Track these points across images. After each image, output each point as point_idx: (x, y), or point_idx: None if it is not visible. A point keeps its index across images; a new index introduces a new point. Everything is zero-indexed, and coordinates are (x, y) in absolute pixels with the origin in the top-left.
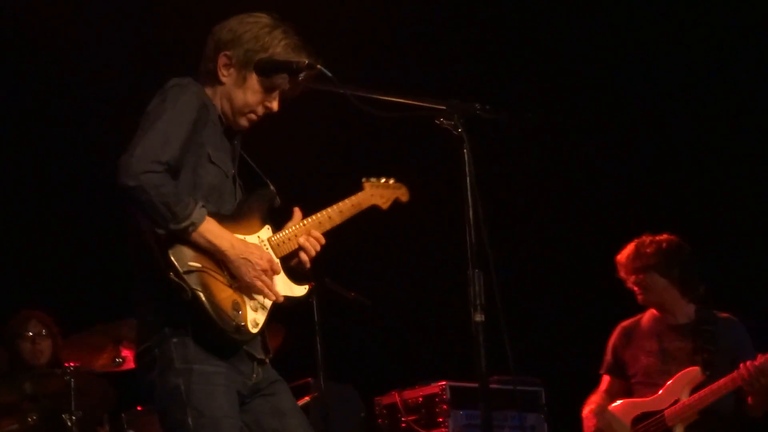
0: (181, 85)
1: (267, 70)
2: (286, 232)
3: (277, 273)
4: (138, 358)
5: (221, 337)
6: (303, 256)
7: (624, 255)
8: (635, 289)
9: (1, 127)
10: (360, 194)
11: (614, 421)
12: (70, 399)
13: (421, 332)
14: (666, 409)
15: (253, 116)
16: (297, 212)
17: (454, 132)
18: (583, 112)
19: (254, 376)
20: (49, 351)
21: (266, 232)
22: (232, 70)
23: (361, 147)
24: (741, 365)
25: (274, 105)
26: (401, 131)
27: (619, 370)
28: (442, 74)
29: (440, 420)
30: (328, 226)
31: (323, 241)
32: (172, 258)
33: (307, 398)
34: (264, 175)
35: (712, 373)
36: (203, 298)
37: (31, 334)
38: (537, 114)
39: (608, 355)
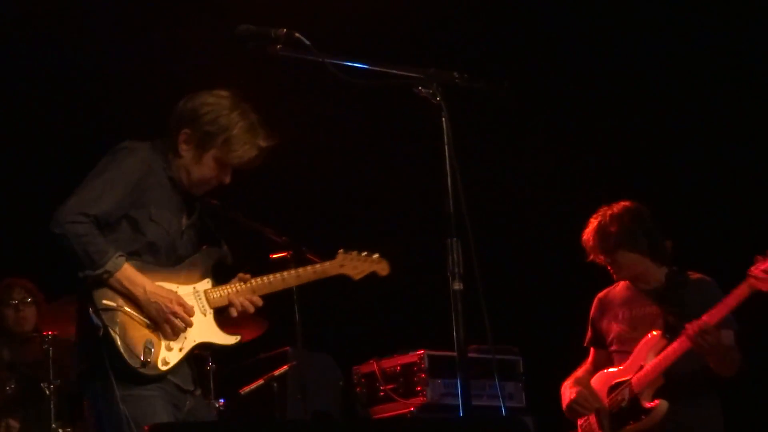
0: (130, 149)
1: (246, 38)
2: (224, 287)
3: (190, 316)
4: (77, 381)
5: (131, 370)
6: (231, 310)
7: (589, 238)
8: (608, 268)
9: None
10: (328, 263)
11: (592, 392)
12: (48, 367)
13: (400, 301)
14: (633, 376)
15: (207, 187)
16: (242, 276)
17: (432, 100)
18: (560, 80)
19: (187, 404)
20: (34, 319)
21: (204, 284)
22: (190, 146)
23: (340, 119)
24: (686, 325)
25: (227, 179)
26: (379, 100)
27: (599, 341)
28: (419, 42)
29: (418, 389)
30: (279, 287)
31: (260, 303)
32: (92, 297)
33: (285, 367)
34: (219, 235)
35: (673, 336)
36: (113, 334)
37: (15, 301)
38: (514, 82)
39: (588, 328)
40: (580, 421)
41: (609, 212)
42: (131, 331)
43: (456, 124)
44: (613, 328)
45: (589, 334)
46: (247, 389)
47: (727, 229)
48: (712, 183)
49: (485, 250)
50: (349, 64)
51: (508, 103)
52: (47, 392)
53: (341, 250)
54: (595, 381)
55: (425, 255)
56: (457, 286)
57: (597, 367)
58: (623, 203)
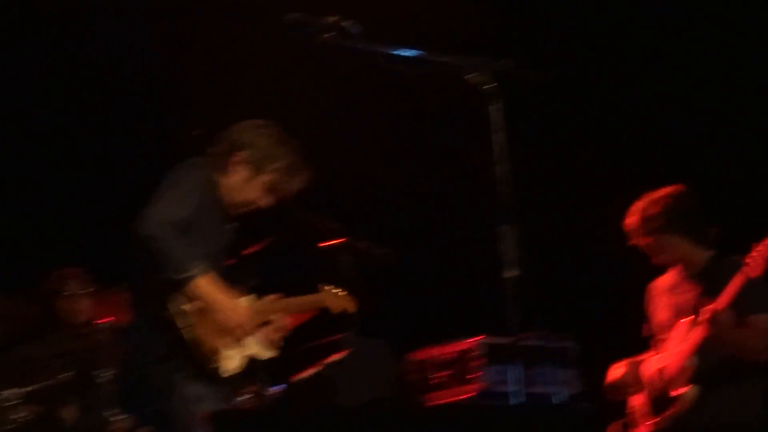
0: (197, 164)
1: (294, 27)
2: (260, 305)
3: (251, 331)
4: (138, 380)
5: (202, 370)
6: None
7: (631, 221)
8: (649, 253)
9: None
10: (314, 297)
11: (635, 377)
12: (102, 355)
13: (454, 288)
14: (666, 364)
15: (245, 209)
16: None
17: (483, 88)
18: (610, 66)
19: None
20: (87, 310)
21: (247, 300)
22: (243, 169)
23: (392, 108)
24: (702, 311)
25: (265, 204)
26: (430, 89)
27: (647, 328)
28: (468, 30)
29: (473, 376)
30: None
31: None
32: (173, 297)
33: (338, 354)
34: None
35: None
36: (191, 335)
37: (69, 293)
38: (563, 69)
39: (647, 317)
40: (633, 403)
41: (653, 196)
42: (203, 335)
43: (507, 110)
44: (658, 315)
45: (647, 323)
46: (300, 376)
47: None
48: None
49: (539, 236)
50: (399, 53)
51: (559, 88)
52: (100, 381)
53: (324, 286)
54: (644, 366)
55: (480, 242)
56: (510, 273)
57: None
58: (669, 188)
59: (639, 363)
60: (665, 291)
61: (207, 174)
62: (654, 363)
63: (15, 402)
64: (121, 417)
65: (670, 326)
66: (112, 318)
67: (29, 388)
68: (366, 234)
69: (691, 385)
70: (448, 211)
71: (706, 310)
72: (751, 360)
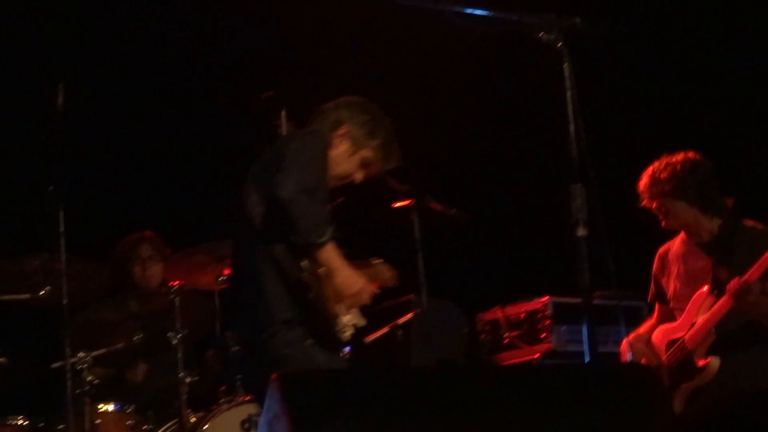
0: (319, 135)
1: None
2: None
3: (366, 300)
4: (264, 342)
5: (329, 334)
6: None
7: (641, 183)
8: (658, 215)
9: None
10: (367, 269)
11: (651, 350)
12: (174, 317)
13: (524, 248)
14: (686, 333)
15: (340, 183)
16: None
17: (554, 46)
18: (683, 22)
19: None
20: (160, 275)
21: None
22: (346, 142)
23: (461, 67)
24: (731, 282)
25: (359, 178)
26: (500, 47)
27: (661, 297)
28: None
29: (543, 336)
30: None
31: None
32: (304, 260)
33: (409, 315)
34: None
35: (720, 292)
36: (321, 299)
37: (143, 258)
38: (636, 26)
39: (651, 284)
40: None
41: (666, 159)
42: (329, 300)
43: (578, 70)
44: (671, 285)
45: (651, 289)
46: (371, 338)
47: None
48: None
49: (609, 195)
50: (470, 11)
51: (629, 47)
52: (174, 342)
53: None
54: (655, 337)
55: (550, 201)
56: (582, 231)
57: (661, 322)
58: (684, 153)
59: (650, 333)
60: (675, 259)
61: (326, 144)
62: (670, 332)
63: (88, 364)
64: (193, 378)
65: (682, 295)
66: (184, 281)
67: (102, 350)
68: (438, 194)
69: (713, 355)
70: (519, 170)
71: (736, 283)
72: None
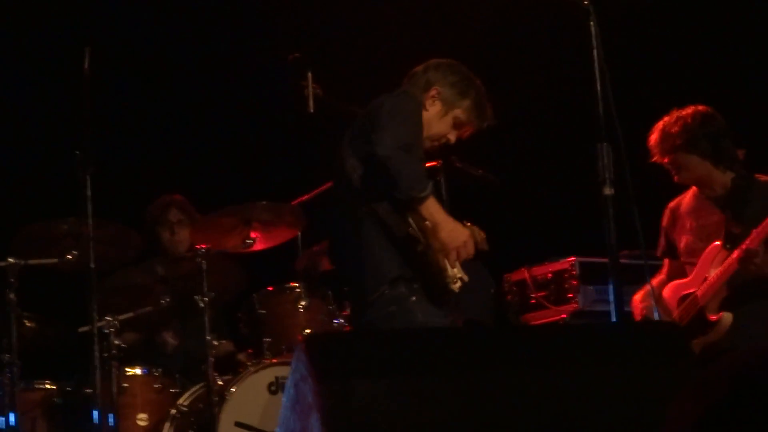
0: (413, 95)
1: None
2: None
3: (471, 254)
4: (373, 302)
5: (442, 287)
6: None
7: (652, 138)
8: (671, 170)
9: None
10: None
11: (661, 305)
12: (202, 281)
13: (550, 208)
14: (697, 289)
15: (436, 144)
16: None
17: (581, 4)
18: None
19: None
20: (188, 239)
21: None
22: (437, 103)
23: (487, 24)
24: (737, 249)
25: (453, 138)
26: (527, 4)
27: (671, 251)
28: None
29: (570, 296)
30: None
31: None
32: (410, 215)
33: None
34: None
35: (733, 246)
36: (429, 251)
37: (171, 223)
38: None
39: (661, 238)
40: None
41: (676, 114)
42: (436, 252)
43: (605, 28)
44: (683, 239)
45: (661, 244)
46: None
47: None
48: None
49: (636, 154)
50: None
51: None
52: (201, 304)
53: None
54: (666, 292)
55: (576, 160)
56: (608, 191)
57: (671, 277)
58: (694, 107)
59: (660, 289)
60: (687, 214)
61: (420, 104)
62: (681, 287)
63: (115, 328)
64: (223, 341)
65: (695, 250)
66: (210, 244)
67: (131, 314)
68: (464, 154)
69: (725, 311)
70: (546, 128)
71: (742, 249)
72: None
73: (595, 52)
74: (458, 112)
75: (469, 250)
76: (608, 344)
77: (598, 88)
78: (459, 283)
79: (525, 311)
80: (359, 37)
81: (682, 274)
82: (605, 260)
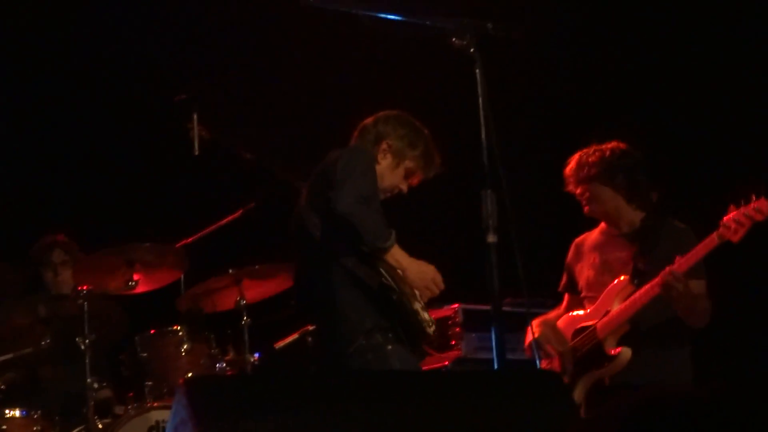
0: (364, 150)
1: None
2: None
3: (442, 288)
4: (351, 355)
5: (419, 332)
6: None
7: (568, 167)
8: (581, 201)
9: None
10: None
11: (557, 335)
12: (83, 322)
13: (434, 255)
14: (598, 321)
15: (389, 195)
16: None
17: (466, 52)
18: (597, 25)
19: None
20: (72, 280)
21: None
22: (389, 155)
23: (371, 70)
24: (662, 272)
25: (405, 188)
26: (413, 51)
27: (572, 286)
28: None
29: (453, 342)
30: None
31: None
32: (378, 265)
33: (309, 327)
34: None
35: (641, 282)
36: (405, 299)
37: (54, 263)
38: (549, 30)
39: (564, 273)
40: (543, 364)
41: (595, 146)
42: (409, 298)
43: (491, 75)
44: (585, 273)
45: (564, 279)
46: (281, 343)
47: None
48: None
49: (520, 201)
50: (383, 15)
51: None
52: (82, 347)
53: None
54: (562, 323)
55: (459, 207)
56: (492, 238)
57: (569, 311)
58: (614, 142)
59: (556, 320)
60: (592, 249)
61: (373, 158)
62: (578, 320)
63: None
64: (102, 384)
65: (596, 284)
66: (92, 285)
67: (10, 355)
68: None
69: (624, 346)
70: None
71: (665, 273)
72: (684, 324)
73: (480, 99)
74: (408, 163)
75: (439, 284)
76: (490, 391)
77: (483, 135)
78: (434, 327)
79: None
80: (245, 78)
81: (579, 308)
82: (488, 307)
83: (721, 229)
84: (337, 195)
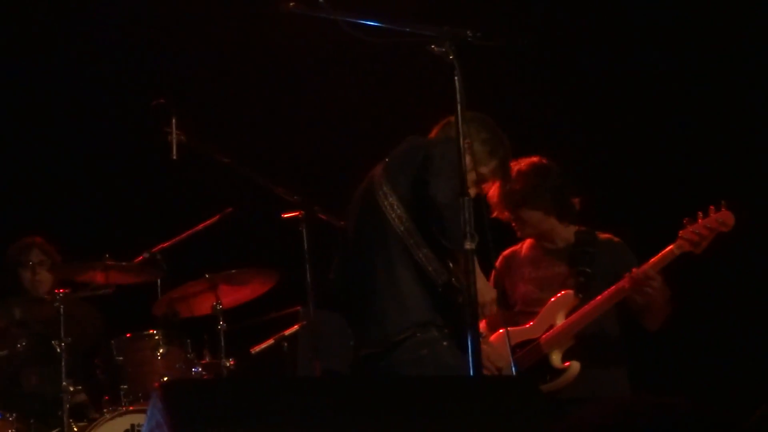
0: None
1: None
2: None
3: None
4: (400, 343)
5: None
6: None
7: (493, 194)
8: (512, 225)
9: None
10: None
11: (494, 351)
12: (59, 325)
13: None
14: (542, 335)
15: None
16: None
17: (445, 59)
18: (578, 33)
19: None
20: (50, 281)
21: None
22: (467, 156)
23: (352, 77)
24: (626, 275)
25: (472, 194)
26: (392, 58)
27: (502, 300)
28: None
29: None
30: None
31: None
32: (452, 265)
33: (296, 327)
34: None
35: (585, 296)
36: (463, 305)
37: (32, 263)
38: (530, 39)
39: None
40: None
41: (516, 166)
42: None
43: (470, 83)
44: (519, 288)
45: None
46: (257, 348)
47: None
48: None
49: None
50: (362, 22)
51: (524, 59)
52: (58, 350)
53: None
54: (496, 340)
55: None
56: (469, 245)
57: (496, 326)
58: (530, 159)
59: (487, 335)
60: (524, 263)
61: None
62: (520, 334)
63: None
64: (78, 388)
65: (535, 300)
66: (70, 288)
67: None
68: (328, 205)
69: (572, 360)
70: None
71: (635, 274)
72: (622, 340)
73: (458, 106)
74: (484, 170)
75: (493, 310)
76: (465, 397)
77: (461, 141)
78: (485, 341)
79: None
80: (222, 84)
81: (510, 324)
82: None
83: (679, 242)
84: (437, 183)
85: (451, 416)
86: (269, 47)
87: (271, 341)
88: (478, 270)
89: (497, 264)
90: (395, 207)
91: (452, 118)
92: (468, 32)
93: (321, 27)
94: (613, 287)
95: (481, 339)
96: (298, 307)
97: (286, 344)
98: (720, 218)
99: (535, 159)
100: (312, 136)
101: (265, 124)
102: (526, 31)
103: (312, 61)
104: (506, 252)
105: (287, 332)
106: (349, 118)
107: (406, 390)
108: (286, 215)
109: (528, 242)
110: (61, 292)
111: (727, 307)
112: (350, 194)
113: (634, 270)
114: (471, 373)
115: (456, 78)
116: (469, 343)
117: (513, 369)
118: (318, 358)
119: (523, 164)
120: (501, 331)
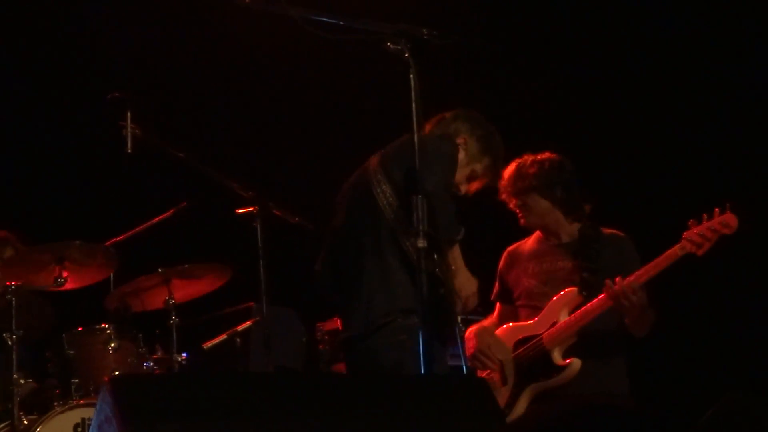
0: (456, 144)
1: None
2: None
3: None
4: (382, 326)
5: (450, 329)
6: None
7: (505, 177)
8: (517, 212)
9: None
10: None
11: (497, 344)
12: (11, 318)
13: None
14: (545, 332)
15: (455, 191)
16: None
17: (401, 56)
18: (535, 36)
19: None
20: (2, 272)
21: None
22: (462, 152)
23: (309, 73)
24: (607, 282)
25: (463, 190)
26: (349, 55)
27: (506, 295)
28: None
29: None
30: None
31: None
32: (437, 256)
33: (248, 322)
34: None
35: (589, 293)
36: (449, 295)
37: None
38: (487, 39)
39: (496, 281)
40: (481, 374)
41: (531, 157)
42: (454, 297)
43: (425, 81)
44: (523, 282)
45: (496, 287)
46: (210, 344)
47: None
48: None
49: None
50: (318, 18)
51: (480, 58)
52: (9, 342)
53: None
54: (501, 333)
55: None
56: (421, 243)
57: (502, 321)
58: (549, 153)
59: (493, 329)
60: (528, 258)
61: (457, 151)
62: (520, 330)
63: None
64: (28, 380)
65: (538, 294)
66: (21, 281)
67: None
68: (282, 201)
69: (573, 357)
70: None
71: (623, 283)
72: (631, 335)
73: (413, 104)
74: (477, 167)
75: (474, 303)
76: (415, 395)
77: (416, 139)
78: (465, 329)
79: (336, 361)
80: (179, 78)
81: (514, 318)
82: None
83: (683, 242)
84: (429, 174)
85: (399, 415)
86: (226, 42)
87: (223, 336)
88: (461, 263)
89: (501, 260)
90: (387, 194)
91: (446, 114)
92: (424, 30)
93: (279, 21)
94: (604, 292)
95: (485, 331)
96: (251, 303)
97: (238, 340)
98: (724, 221)
99: (552, 154)
100: (268, 133)
101: (220, 119)
102: (530, 30)
103: (270, 56)
104: (510, 248)
105: (240, 328)
106: (307, 115)
107: (357, 386)
108: (240, 211)
109: (532, 237)
110: (12, 285)
111: (726, 306)
112: (305, 191)
113: (617, 279)
114: (443, 363)
115: (411, 76)
116: (421, 341)
117: (512, 365)
118: (270, 355)
119: (539, 155)
120: (506, 325)
